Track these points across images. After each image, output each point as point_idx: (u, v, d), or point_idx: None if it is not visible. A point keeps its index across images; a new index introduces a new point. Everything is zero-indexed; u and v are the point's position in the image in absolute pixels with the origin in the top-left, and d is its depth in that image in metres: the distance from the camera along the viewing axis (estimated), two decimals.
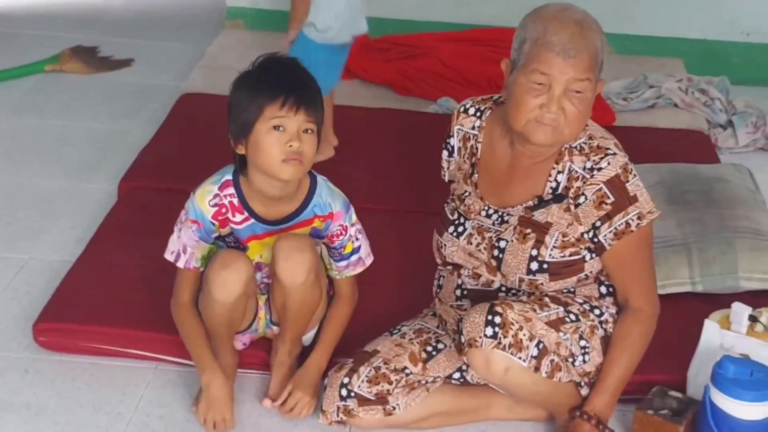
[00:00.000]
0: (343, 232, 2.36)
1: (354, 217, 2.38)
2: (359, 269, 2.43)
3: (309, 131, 2.22)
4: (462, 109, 2.35)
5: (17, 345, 2.57)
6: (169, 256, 2.38)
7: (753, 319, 2.39)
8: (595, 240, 2.19)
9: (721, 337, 2.34)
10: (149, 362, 2.52)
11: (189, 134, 3.56)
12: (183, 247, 2.34)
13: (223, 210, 2.31)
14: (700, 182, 3.07)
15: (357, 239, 2.39)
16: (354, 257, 2.40)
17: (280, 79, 2.21)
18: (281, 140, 2.19)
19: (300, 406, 2.31)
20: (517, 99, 2.11)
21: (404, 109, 3.86)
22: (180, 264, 2.36)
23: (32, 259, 2.96)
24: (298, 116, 2.19)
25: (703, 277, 2.72)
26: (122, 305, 2.61)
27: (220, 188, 2.31)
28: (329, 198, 2.34)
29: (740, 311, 2.37)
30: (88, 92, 4.12)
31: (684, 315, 2.57)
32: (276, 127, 2.19)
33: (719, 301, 2.63)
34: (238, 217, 2.32)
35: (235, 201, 2.31)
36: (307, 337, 2.46)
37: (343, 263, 2.40)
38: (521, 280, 2.22)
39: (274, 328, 2.44)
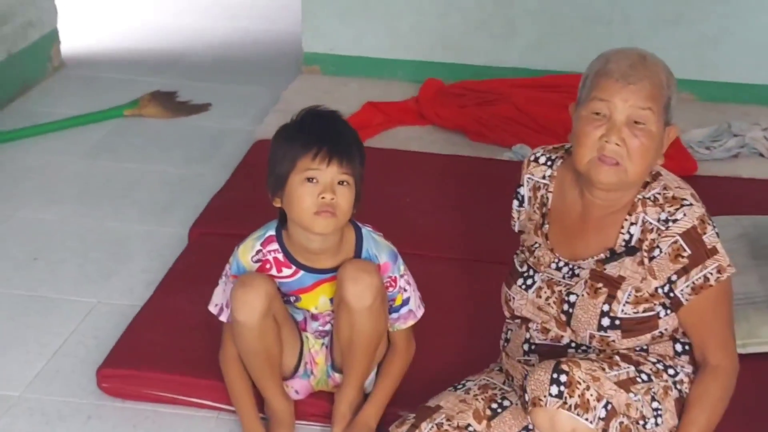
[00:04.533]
0: (393, 284, 2.31)
1: (402, 268, 2.33)
2: (410, 322, 2.37)
3: (344, 183, 2.18)
4: (533, 158, 2.29)
5: (82, 390, 2.57)
6: (212, 308, 2.37)
7: None
8: (671, 295, 2.10)
9: None
10: (211, 411, 2.49)
11: (261, 181, 3.54)
12: (226, 301, 2.31)
13: (267, 266, 2.29)
14: None
15: (406, 290, 2.34)
16: (404, 309, 2.35)
17: (315, 131, 2.19)
18: (314, 192, 2.16)
19: None
20: (578, 132, 2.07)
21: (478, 156, 3.81)
22: (223, 318, 2.35)
23: (101, 303, 2.97)
24: (331, 168, 2.16)
25: None
26: (186, 352, 2.59)
27: (263, 244, 2.29)
28: (375, 250, 2.30)
29: None
30: (164, 136, 4.16)
31: (765, 376, 2.45)
32: (309, 179, 2.16)
33: None
34: (286, 272, 2.29)
35: (280, 256, 2.28)
36: (369, 381, 2.40)
37: (394, 315, 2.35)
38: (592, 337, 2.14)
39: (336, 376, 2.39)
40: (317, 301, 2.31)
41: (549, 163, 2.26)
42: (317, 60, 4.72)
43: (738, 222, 3.04)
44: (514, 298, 2.25)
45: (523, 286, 2.23)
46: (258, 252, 2.30)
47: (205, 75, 4.85)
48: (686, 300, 2.09)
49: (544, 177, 2.25)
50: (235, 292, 2.21)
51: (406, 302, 2.34)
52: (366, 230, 2.32)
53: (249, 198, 3.43)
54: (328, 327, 2.37)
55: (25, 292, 3.02)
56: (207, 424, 2.46)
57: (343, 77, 4.63)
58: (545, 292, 2.19)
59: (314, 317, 2.35)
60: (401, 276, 2.32)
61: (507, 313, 2.31)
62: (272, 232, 2.30)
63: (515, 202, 2.33)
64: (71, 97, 4.45)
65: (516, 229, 2.35)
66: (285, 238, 2.29)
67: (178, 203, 3.58)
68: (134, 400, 2.52)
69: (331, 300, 2.31)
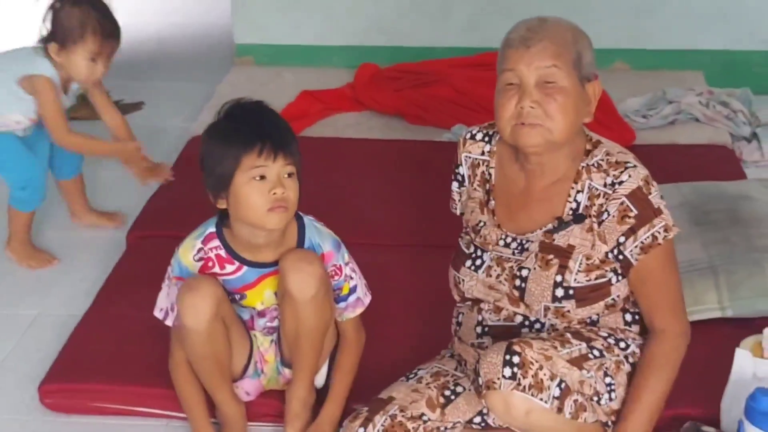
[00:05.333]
0: (338, 272, 2.27)
1: (347, 256, 2.30)
2: (359, 310, 2.33)
3: (290, 175, 2.14)
4: (468, 135, 2.28)
5: (25, 407, 2.50)
6: (158, 313, 2.32)
7: None
8: (621, 257, 2.09)
9: (754, 365, 2.22)
10: (160, 419, 2.44)
11: (198, 178, 3.47)
12: (171, 305, 2.26)
13: (210, 264, 2.24)
14: (725, 201, 2.96)
15: (352, 278, 2.30)
16: (352, 298, 2.31)
17: (252, 126, 2.14)
18: (263, 189, 2.11)
19: None
20: (496, 106, 2.09)
21: (416, 140, 3.78)
22: (168, 322, 2.30)
23: (42, 314, 2.90)
24: (278, 162, 2.11)
25: (732, 302, 2.60)
26: (129, 361, 2.53)
27: (204, 242, 2.24)
28: (318, 239, 2.26)
29: None
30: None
31: (714, 342, 2.44)
32: (257, 177, 2.11)
33: (752, 325, 2.50)
34: (229, 268, 2.24)
35: (222, 253, 2.23)
36: (320, 376, 2.36)
37: (342, 305, 2.31)
38: (546, 309, 2.12)
39: (286, 371, 2.35)
40: (262, 295, 2.27)
41: (487, 138, 2.24)
42: (250, 51, 4.65)
43: (677, 189, 3.04)
44: (463, 280, 2.22)
45: (472, 267, 2.21)
46: (199, 250, 2.24)
47: (138, 73, 4.73)
48: (635, 260, 2.08)
49: (483, 153, 2.24)
50: (182, 297, 2.16)
51: (353, 290, 2.31)
52: (308, 219, 2.28)
53: (187, 197, 3.33)
54: (275, 323, 2.32)
55: None
56: None
57: (277, 67, 4.56)
58: (495, 270, 2.17)
59: (261, 314, 2.31)
60: (346, 264, 2.29)
61: (457, 297, 2.29)
62: (212, 229, 2.25)
63: (455, 184, 2.30)
64: None
65: (457, 211, 2.33)
66: (226, 234, 2.24)
67: (116, 206, 3.50)
68: (80, 414, 2.45)
69: (276, 293, 2.26)
